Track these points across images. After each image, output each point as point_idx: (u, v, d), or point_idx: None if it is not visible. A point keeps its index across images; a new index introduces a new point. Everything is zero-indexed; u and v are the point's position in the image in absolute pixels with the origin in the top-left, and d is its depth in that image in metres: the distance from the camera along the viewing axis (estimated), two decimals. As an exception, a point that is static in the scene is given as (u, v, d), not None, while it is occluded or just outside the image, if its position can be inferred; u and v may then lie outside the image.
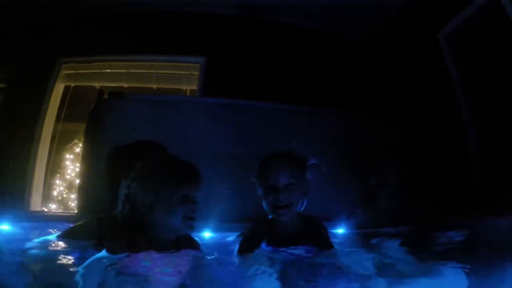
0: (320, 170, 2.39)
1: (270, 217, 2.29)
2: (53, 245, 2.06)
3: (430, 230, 2.43)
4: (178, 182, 1.90)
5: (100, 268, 1.65)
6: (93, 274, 1.60)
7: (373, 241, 2.50)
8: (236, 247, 2.22)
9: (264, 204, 2.22)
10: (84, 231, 2.17)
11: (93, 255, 1.78)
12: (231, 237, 2.60)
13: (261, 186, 2.23)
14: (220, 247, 2.39)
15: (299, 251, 2.13)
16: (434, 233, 2.35)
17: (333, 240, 2.36)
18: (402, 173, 2.99)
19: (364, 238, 2.61)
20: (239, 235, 2.48)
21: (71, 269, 1.70)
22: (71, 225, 2.29)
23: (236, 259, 2.12)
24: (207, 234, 2.65)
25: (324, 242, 2.20)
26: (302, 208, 2.28)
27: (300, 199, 2.21)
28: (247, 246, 2.18)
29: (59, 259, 1.84)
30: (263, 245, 2.22)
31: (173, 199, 1.87)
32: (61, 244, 2.07)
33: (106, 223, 2.20)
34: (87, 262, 1.69)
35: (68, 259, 1.83)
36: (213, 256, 2.05)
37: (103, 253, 1.76)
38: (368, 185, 3.08)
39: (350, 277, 1.83)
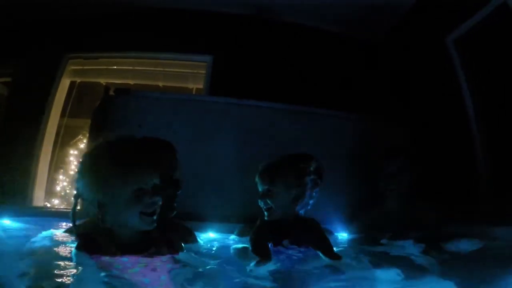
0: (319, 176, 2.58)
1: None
2: (57, 239, 2.03)
3: (439, 237, 2.42)
4: (127, 174, 1.63)
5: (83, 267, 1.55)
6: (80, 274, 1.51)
7: (382, 242, 2.50)
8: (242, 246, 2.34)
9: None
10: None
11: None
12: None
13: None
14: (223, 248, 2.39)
15: (295, 251, 2.23)
16: (442, 241, 2.34)
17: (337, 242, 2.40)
18: (412, 177, 2.97)
19: (370, 241, 2.60)
20: (237, 234, 2.55)
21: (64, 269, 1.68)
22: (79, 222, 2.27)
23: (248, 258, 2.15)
24: (211, 235, 2.65)
25: (320, 242, 2.29)
26: (303, 209, 2.48)
27: (285, 203, 2.40)
28: (262, 242, 2.26)
29: (62, 254, 1.83)
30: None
31: (125, 195, 1.63)
32: (65, 239, 2.04)
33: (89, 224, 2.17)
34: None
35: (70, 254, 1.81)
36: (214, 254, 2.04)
37: (73, 252, 1.63)
38: (377, 188, 3.06)
39: (342, 277, 1.85)
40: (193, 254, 1.91)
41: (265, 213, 2.39)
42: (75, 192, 1.74)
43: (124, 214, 1.66)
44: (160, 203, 1.72)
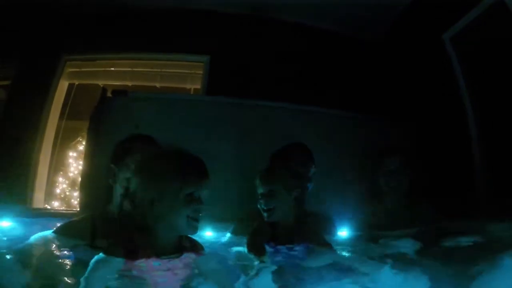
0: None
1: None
2: (47, 242, 2.04)
3: (437, 232, 2.44)
4: (185, 179, 1.76)
5: (101, 272, 1.59)
6: (95, 278, 1.56)
7: (380, 241, 2.51)
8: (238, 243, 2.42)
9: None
10: (77, 229, 2.15)
11: (86, 253, 1.78)
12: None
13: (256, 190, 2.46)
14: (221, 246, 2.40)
15: (294, 249, 2.25)
16: (440, 236, 2.35)
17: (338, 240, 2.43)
18: (411, 175, 2.99)
19: (370, 239, 2.62)
20: (232, 233, 2.57)
21: (64, 268, 1.70)
22: (65, 222, 2.28)
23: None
24: (208, 234, 2.66)
25: (319, 240, 2.38)
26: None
27: (287, 203, 2.43)
28: (258, 242, 2.33)
29: (53, 257, 1.84)
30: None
31: (178, 197, 1.74)
32: (55, 242, 2.05)
33: (99, 221, 2.19)
34: (90, 267, 1.61)
35: (61, 257, 1.83)
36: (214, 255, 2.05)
37: (101, 256, 1.66)
38: (377, 186, 3.08)
39: (339, 276, 1.87)
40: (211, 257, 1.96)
41: (265, 214, 2.40)
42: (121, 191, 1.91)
43: (173, 215, 1.75)
44: (202, 210, 1.81)
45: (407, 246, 2.34)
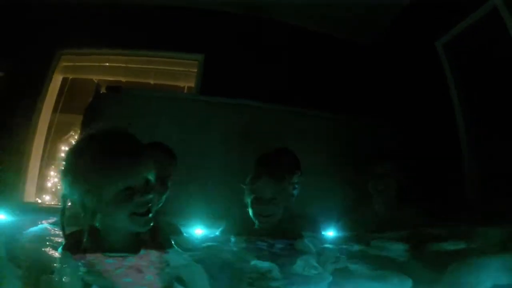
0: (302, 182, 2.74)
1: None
2: (48, 234, 2.04)
3: (424, 236, 2.47)
4: (108, 176, 1.41)
5: (66, 268, 1.48)
6: (64, 273, 1.46)
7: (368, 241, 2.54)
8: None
9: (249, 211, 2.44)
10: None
11: None
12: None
13: (248, 195, 2.45)
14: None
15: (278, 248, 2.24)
16: (427, 241, 2.39)
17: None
18: (401, 179, 3.02)
19: (357, 241, 2.64)
20: (222, 232, 2.61)
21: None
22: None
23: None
24: (199, 231, 2.68)
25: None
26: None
27: (282, 208, 2.45)
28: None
29: (52, 250, 1.84)
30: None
31: (109, 198, 1.42)
32: (55, 234, 2.06)
33: None
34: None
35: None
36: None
37: (60, 251, 1.51)
38: (365, 189, 3.11)
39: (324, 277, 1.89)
40: (180, 252, 1.80)
41: (261, 220, 2.41)
42: (61, 193, 1.52)
43: (112, 217, 1.48)
44: (154, 201, 1.53)
45: (392, 248, 2.36)
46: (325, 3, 4.41)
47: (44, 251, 1.71)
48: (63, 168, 1.48)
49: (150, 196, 1.48)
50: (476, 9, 3.15)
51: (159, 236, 1.61)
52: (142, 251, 1.53)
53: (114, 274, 1.47)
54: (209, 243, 2.31)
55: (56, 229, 2.05)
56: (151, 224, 1.52)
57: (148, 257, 1.55)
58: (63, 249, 1.51)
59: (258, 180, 2.43)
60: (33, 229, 2.15)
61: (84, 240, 1.46)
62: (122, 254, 1.51)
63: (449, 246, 2.28)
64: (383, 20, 4.46)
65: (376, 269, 1.89)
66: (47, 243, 1.83)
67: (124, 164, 1.43)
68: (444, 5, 3.49)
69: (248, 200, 2.45)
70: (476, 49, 3.34)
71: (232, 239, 2.40)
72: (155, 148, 2.33)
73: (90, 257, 1.47)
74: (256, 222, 2.43)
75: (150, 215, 1.50)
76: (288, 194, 2.51)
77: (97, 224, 1.51)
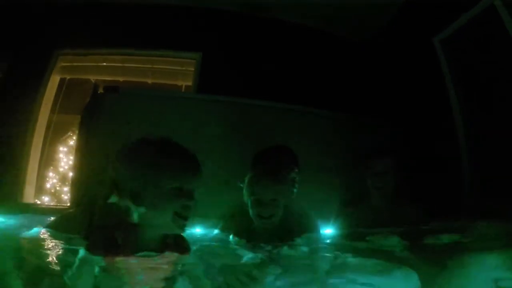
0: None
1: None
2: (41, 237, 2.05)
3: (421, 232, 2.48)
4: (172, 170, 1.57)
5: (85, 268, 1.52)
6: (82, 275, 1.51)
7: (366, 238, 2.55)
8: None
9: (250, 211, 2.40)
10: (71, 222, 2.16)
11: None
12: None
13: (248, 196, 2.40)
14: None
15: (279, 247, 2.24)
16: (424, 235, 2.40)
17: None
18: (399, 175, 3.03)
19: (356, 237, 2.65)
20: (220, 229, 2.60)
21: (60, 262, 1.70)
22: (57, 217, 2.29)
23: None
24: (198, 230, 2.69)
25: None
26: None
27: (282, 207, 2.39)
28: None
29: (47, 251, 1.85)
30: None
31: (164, 190, 1.56)
32: (49, 236, 2.06)
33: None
34: (75, 263, 1.53)
35: (55, 251, 1.83)
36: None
37: (82, 252, 1.53)
38: (364, 186, 3.12)
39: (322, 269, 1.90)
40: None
41: (263, 221, 2.36)
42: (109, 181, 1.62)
43: (158, 210, 1.58)
44: (193, 208, 1.63)
45: (391, 243, 2.37)
46: (323, 2, 4.41)
47: (44, 252, 1.73)
48: (122, 157, 1.60)
49: (193, 202, 1.60)
50: (474, 5, 3.15)
51: (183, 241, 1.72)
52: (167, 253, 1.63)
53: (133, 272, 1.54)
54: (207, 243, 2.34)
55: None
56: (185, 230, 1.66)
57: (169, 258, 1.64)
58: (90, 249, 1.53)
59: (258, 182, 2.38)
60: (35, 230, 2.17)
61: (120, 239, 1.56)
62: (150, 254, 1.59)
63: (445, 239, 2.30)
64: (381, 18, 4.46)
65: (379, 263, 1.89)
66: (46, 244, 1.84)
67: (186, 166, 1.61)
68: (442, 1, 3.50)
69: (248, 201, 2.41)
70: (474, 45, 3.34)
71: (231, 239, 2.42)
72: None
73: (119, 258, 1.53)
74: (256, 222, 2.39)
75: (187, 221, 1.62)
76: (288, 193, 2.46)
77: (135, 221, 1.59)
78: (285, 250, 2.19)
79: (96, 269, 1.52)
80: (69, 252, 1.76)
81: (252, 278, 1.77)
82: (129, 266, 1.55)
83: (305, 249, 2.25)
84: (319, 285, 1.80)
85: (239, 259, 2.07)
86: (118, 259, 1.53)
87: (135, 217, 1.58)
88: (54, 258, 1.73)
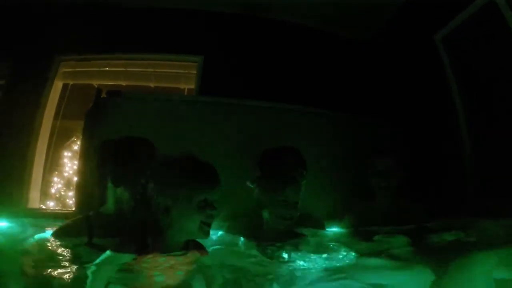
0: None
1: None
2: (47, 244, 2.06)
3: (424, 230, 2.48)
4: (199, 185, 1.80)
5: (108, 268, 1.65)
6: (101, 274, 1.61)
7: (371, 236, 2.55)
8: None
9: (266, 212, 2.45)
10: (75, 229, 2.17)
11: (86, 253, 1.81)
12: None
13: (268, 196, 2.44)
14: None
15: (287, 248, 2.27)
16: (427, 233, 2.40)
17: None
18: (402, 174, 3.04)
19: (361, 236, 2.66)
20: (225, 231, 2.61)
21: (65, 268, 1.72)
22: (62, 224, 2.30)
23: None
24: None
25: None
26: None
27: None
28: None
29: (54, 258, 1.86)
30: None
31: (191, 203, 1.77)
32: (55, 243, 2.07)
33: (95, 221, 2.21)
34: (97, 261, 1.68)
35: (61, 257, 1.85)
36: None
37: (109, 253, 1.70)
38: (367, 185, 3.13)
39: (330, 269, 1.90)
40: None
41: (287, 222, 2.40)
42: (137, 196, 1.85)
43: (186, 220, 1.78)
44: (215, 216, 1.84)
45: (396, 242, 2.37)
46: (323, 2, 4.41)
47: (52, 258, 1.74)
48: (155, 176, 1.81)
49: (215, 211, 1.82)
50: (474, 0, 3.14)
51: (199, 245, 1.91)
52: (189, 253, 1.82)
53: (153, 272, 1.70)
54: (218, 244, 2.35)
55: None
56: (209, 236, 1.86)
57: (190, 258, 1.82)
58: (122, 248, 1.71)
59: (288, 184, 2.42)
60: (40, 236, 2.18)
61: (150, 241, 1.75)
62: (174, 254, 1.78)
63: (448, 237, 2.31)
64: (381, 17, 4.46)
65: (390, 262, 1.90)
66: (53, 249, 1.85)
67: (211, 180, 1.84)
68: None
69: (268, 202, 2.45)
70: (475, 42, 3.33)
71: (242, 240, 2.42)
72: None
73: (148, 256, 1.71)
74: (276, 223, 2.42)
75: (211, 228, 1.84)
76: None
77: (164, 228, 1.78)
78: (295, 250, 2.20)
79: (114, 269, 1.66)
80: (76, 257, 1.78)
81: (264, 278, 1.82)
82: (153, 264, 1.71)
83: (314, 248, 2.26)
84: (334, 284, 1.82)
85: (251, 260, 2.09)
86: (147, 258, 1.70)
87: (164, 226, 1.76)
88: (61, 263, 1.75)
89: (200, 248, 1.90)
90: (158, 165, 1.89)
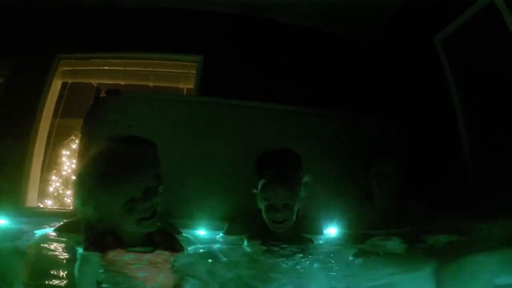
0: (312, 186, 2.59)
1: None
2: (51, 239, 2.07)
3: (423, 232, 2.48)
4: (113, 191, 1.61)
5: (91, 267, 1.59)
6: (85, 273, 1.57)
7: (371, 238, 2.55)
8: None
9: (264, 216, 2.40)
10: (77, 227, 2.17)
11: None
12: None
13: (262, 202, 2.41)
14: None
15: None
16: (423, 234, 2.40)
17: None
18: (402, 175, 3.03)
19: (361, 238, 2.65)
20: (225, 232, 2.60)
21: (61, 267, 1.71)
22: (66, 221, 2.31)
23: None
24: (201, 232, 2.69)
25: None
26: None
27: (295, 212, 2.40)
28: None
29: (56, 254, 1.86)
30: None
31: (115, 211, 1.61)
32: (59, 238, 2.08)
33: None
34: (77, 263, 1.60)
35: (64, 254, 1.84)
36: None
37: (80, 254, 1.62)
38: (368, 186, 3.12)
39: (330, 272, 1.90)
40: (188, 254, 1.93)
41: (278, 226, 2.36)
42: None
43: (122, 225, 1.65)
44: (158, 202, 1.67)
45: (394, 246, 2.38)
46: (324, 2, 4.41)
47: (48, 254, 1.74)
48: (75, 189, 1.71)
49: (149, 202, 1.63)
50: (474, 2, 3.14)
51: (171, 240, 1.81)
52: (157, 251, 1.70)
53: (133, 268, 1.61)
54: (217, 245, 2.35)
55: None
56: (157, 225, 1.68)
57: (162, 256, 1.71)
58: (86, 249, 1.62)
59: (270, 187, 2.40)
60: (43, 232, 2.18)
61: (109, 238, 1.64)
62: (141, 249, 1.67)
63: (445, 239, 2.31)
64: (381, 17, 4.46)
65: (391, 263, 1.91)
66: (50, 247, 1.85)
67: (123, 181, 1.61)
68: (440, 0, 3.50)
69: (262, 207, 2.41)
70: (475, 44, 3.34)
71: (245, 242, 2.42)
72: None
73: (112, 252, 1.61)
74: (271, 227, 2.39)
75: (155, 217, 1.66)
76: (298, 197, 2.43)
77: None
78: (297, 252, 2.19)
79: (99, 269, 1.58)
80: (74, 255, 1.77)
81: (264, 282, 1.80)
82: (126, 261, 1.62)
83: (317, 251, 2.27)
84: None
85: (252, 263, 2.09)
86: (113, 254, 1.61)
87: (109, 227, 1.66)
88: (59, 261, 1.74)
89: (171, 246, 1.78)
90: (77, 169, 1.77)
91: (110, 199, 1.60)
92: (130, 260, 1.63)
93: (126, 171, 1.63)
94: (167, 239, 1.79)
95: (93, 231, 1.67)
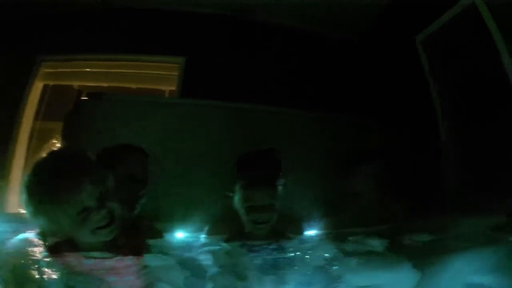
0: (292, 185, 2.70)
1: None
2: (27, 248, 2.03)
3: (402, 230, 2.50)
4: (59, 205, 1.51)
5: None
6: (57, 277, 1.55)
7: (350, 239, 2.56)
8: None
9: (243, 219, 2.39)
10: None
11: None
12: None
13: (242, 203, 2.39)
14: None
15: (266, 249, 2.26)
16: (405, 234, 2.42)
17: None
18: (383, 174, 3.05)
19: (340, 237, 2.66)
20: (206, 233, 2.60)
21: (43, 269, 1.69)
22: None
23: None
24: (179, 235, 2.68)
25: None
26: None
27: (277, 211, 2.40)
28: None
29: (36, 258, 1.84)
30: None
31: (67, 224, 1.54)
32: (39, 243, 2.05)
33: None
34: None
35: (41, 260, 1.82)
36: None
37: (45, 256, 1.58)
38: (350, 185, 3.13)
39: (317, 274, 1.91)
40: (160, 256, 1.89)
41: (260, 226, 2.36)
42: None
43: (76, 236, 1.59)
44: (115, 208, 1.60)
45: (374, 244, 2.39)
46: (309, 2, 4.42)
47: (26, 260, 1.71)
48: (23, 201, 1.62)
49: (105, 209, 1.56)
50: (454, 3, 3.18)
51: (138, 243, 1.75)
52: (118, 257, 1.64)
53: (97, 274, 1.56)
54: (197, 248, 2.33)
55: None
56: (114, 233, 1.61)
57: (125, 261, 1.64)
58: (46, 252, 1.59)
59: (253, 188, 2.39)
60: (15, 238, 2.14)
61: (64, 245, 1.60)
62: (100, 255, 1.60)
63: (425, 238, 2.33)
64: (366, 18, 4.48)
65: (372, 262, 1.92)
66: (29, 253, 1.82)
67: (66, 193, 1.51)
68: (425, 1, 3.53)
69: (242, 208, 2.40)
70: (455, 45, 3.38)
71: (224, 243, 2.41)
72: (125, 151, 2.34)
73: (70, 258, 1.57)
74: (250, 228, 2.40)
75: (113, 223, 1.58)
76: (280, 196, 2.45)
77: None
78: (277, 250, 2.20)
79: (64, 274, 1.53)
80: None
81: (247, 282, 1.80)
82: (85, 267, 1.57)
83: (298, 250, 2.27)
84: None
85: (233, 264, 2.08)
86: (71, 260, 1.57)
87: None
88: (37, 265, 1.72)
89: (137, 250, 1.73)
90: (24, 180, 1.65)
91: (60, 210, 1.51)
92: (91, 266, 1.58)
93: (70, 183, 1.53)
94: (133, 242, 1.74)
95: (50, 239, 1.63)
